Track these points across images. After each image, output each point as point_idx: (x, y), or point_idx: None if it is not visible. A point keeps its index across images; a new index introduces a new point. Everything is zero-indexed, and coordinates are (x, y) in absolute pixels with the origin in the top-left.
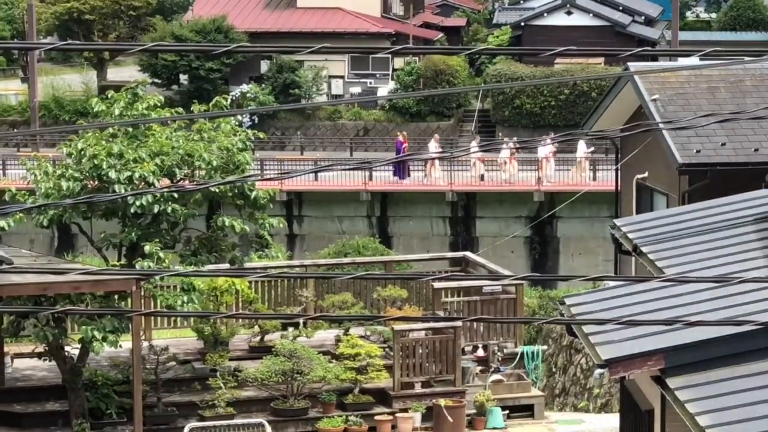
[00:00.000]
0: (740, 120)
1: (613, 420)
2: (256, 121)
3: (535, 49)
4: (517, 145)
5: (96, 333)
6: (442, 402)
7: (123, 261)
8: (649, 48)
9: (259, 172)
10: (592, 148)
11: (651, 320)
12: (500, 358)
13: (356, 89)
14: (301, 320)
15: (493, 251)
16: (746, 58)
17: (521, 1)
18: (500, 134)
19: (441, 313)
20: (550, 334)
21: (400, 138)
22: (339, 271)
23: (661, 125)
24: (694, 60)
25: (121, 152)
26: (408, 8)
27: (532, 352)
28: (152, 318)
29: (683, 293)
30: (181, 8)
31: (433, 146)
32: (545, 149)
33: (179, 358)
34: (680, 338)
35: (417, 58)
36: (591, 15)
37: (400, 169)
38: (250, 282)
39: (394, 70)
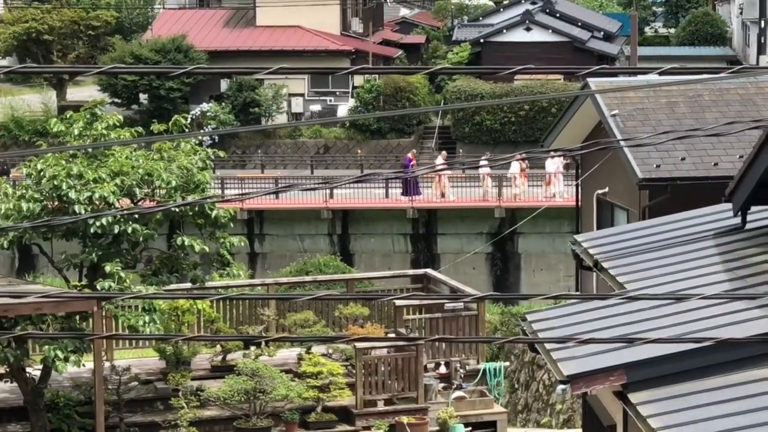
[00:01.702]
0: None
1: None
2: (217, 140)
3: (496, 68)
4: (526, 160)
5: (58, 353)
6: (405, 419)
7: (84, 281)
8: (607, 65)
9: (219, 191)
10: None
11: (611, 338)
12: (462, 375)
13: (316, 107)
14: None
15: (454, 268)
16: (707, 76)
17: (480, 18)
18: (461, 150)
19: (403, 331)
20: (512, 350)
21: (409, 155)
22: (300, 289)
23: (622, 143)
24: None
25: (80, 173)
26: (367, 26)
27: (495, 369)
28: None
29: (644, 308)
30: (140, 27)
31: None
32: (552, 164)
33: (141, 378)
34: (642, 353)
35: (377, 76)
36: (550, 31)
37: (410, 186)
38: (211, 301)
39: (354, 87)
